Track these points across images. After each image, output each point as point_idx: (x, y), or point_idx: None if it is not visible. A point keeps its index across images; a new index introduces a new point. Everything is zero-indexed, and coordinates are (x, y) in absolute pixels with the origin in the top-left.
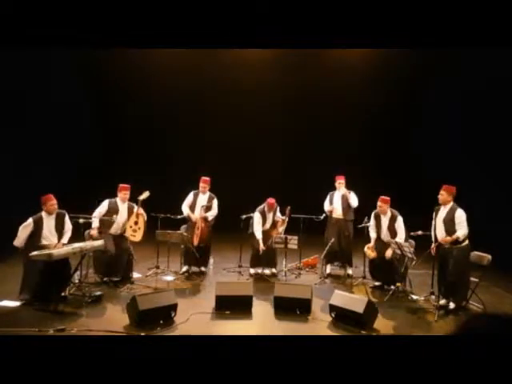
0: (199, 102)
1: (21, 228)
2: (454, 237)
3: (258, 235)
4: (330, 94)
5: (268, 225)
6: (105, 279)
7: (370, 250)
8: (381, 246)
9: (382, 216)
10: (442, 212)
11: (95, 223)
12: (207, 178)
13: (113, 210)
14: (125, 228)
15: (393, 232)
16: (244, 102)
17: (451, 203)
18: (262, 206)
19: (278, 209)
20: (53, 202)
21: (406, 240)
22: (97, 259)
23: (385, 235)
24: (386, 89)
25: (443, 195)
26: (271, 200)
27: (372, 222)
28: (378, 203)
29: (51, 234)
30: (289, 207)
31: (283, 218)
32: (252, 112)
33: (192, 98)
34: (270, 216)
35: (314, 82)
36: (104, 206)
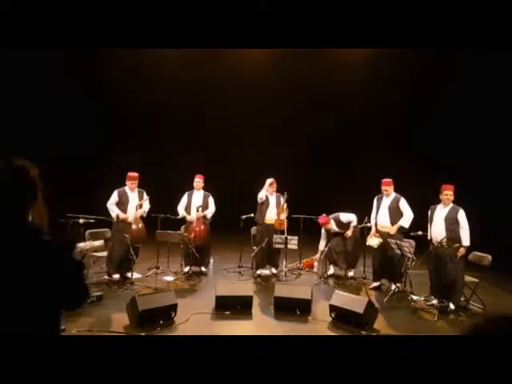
0: (199, 102)
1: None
2: (465, 244)
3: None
4: (330, 93)
5: (272, 213)
6: (118, 276)
7: (374, 237)
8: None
9: (384, 198)
10: (442, 211)
11: (114, 211)
12: (201, 175)
13: (123, 199)
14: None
15: (394, 212)
16: (244, 102)
17: (451, 203)
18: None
19: (281, 198)
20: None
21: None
22: (111, 256)
23: (383, 217)
24: (385, 88)
25: (452, 195)
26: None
27: (374, 207)
28: (383, 187)
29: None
30: (285, 193)
31: (282, 203)
32: (252, 112)
33: (192, 98)
34: (272, 200)
35: (314, 81)
36: (114, 196)
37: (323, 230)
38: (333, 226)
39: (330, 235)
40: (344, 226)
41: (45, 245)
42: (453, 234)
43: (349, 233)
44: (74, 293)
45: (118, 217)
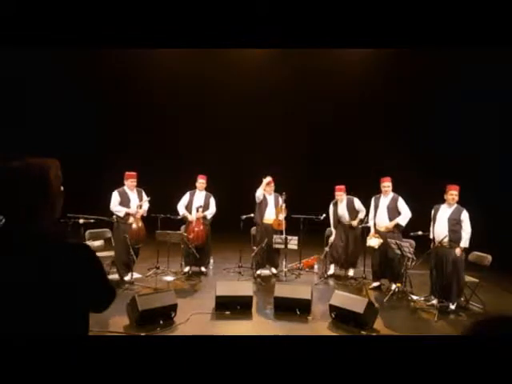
0: (199, 102)
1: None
2: (463, 245)
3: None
4: (330, 93)
5: (271, 213)
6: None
7: (374, 237)
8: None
9: (382, 197)
10: (446, 211)
11: (122, 211)
12: (204, 175)
13: (124, 199)
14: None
15: (393, 212)
16: (244, 103)
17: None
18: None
19: (280, 198)
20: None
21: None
22: (119, 258)
23: (382, 217)
24: (385, 88)
25: (457, 196)
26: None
27: (372, 207)
28: (383, 184)
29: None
30: (284, 193)
31: (280, 204)
32: (252, 112)
33: (192, 98)
34: (270, 200)
35: (314, 82)
36: (116, 197)
37: (331, 206)
38: (343, 203)
39: (336, 219)
40: (352, 212)
41: (58, 246)
42: (455, 235)
43: (354, 222)
44: (102, 292)
45: (127, 214)
